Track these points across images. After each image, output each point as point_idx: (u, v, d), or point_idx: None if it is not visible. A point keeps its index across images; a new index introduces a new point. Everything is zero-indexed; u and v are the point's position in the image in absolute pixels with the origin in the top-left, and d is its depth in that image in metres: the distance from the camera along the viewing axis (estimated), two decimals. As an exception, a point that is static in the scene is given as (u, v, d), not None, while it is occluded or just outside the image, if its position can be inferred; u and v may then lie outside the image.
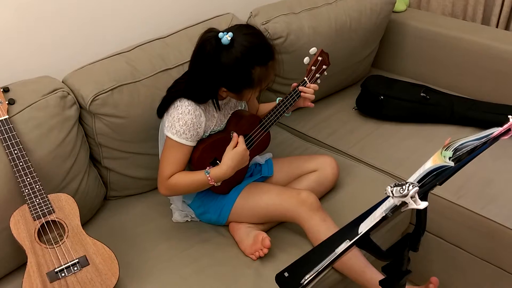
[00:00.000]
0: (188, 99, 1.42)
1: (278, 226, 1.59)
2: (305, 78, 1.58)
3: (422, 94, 2.07)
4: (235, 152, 1.42)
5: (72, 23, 1.66)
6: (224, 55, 1.33)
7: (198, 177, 1.42)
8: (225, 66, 1.34)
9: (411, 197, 0.80)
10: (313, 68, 1.58)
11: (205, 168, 1.43)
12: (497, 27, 2.38)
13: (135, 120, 1.58)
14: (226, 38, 1.31)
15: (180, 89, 1.45)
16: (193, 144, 1.44)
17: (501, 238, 1.62)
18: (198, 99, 1.42)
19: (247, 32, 1.37)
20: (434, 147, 0.98)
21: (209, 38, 1.34)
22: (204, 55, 1.35)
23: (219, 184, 1.43)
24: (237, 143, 1.44)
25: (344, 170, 1.77)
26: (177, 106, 1.41)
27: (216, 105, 1.45)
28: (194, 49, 1.39)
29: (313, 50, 1.58)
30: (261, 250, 1.44)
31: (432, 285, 1.37)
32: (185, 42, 1.72)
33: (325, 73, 1.63)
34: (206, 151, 1.46)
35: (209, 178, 1.40)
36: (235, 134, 1.46)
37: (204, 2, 1.98)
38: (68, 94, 1.49)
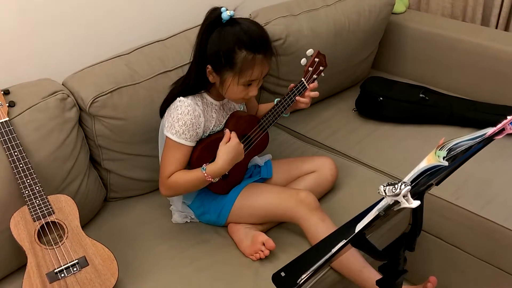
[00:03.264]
0: (186, 95, 1.43)
1: (277, 227, 1.60)
2: (303, 79, 1.59)
3: (421, 95, 2.08)
4: (228, 146, 1.42)
5: (72, 26, 1.67)
6: (218, 29, 1.35)
7: (195, 174, 1.42)
8: (214, 38, 1.35)
9: (403, 196, 0.80)
10: (310, 69, 1.59)
11: None
12: (496, 28, 2.38)
13: (135, 122, 1.59)
14: (226, 13, 1.33)
15: (177, 85, 1.47)
16: (193, 144, 1.45)
17: (500, 238, 1.62)
18: (192, 86, 1.43)
19: (250, 21, 1.40)
20: (433, 148, 0.98)
21: (212, 12, 1.36)
22: (202, 28, 1.37)
23: (216, 180, 1.43)
24: (230, 138, 1.44)
25: (343, 171, 1.78)
26: (177, 106, 1.42)
27: (207, 89, 1.46)
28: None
29: (310, 51, 1.59)
30: (262, 251, 1.45)
31: (430, 284, 1.37)
32: (184, 44, 1.73)
33: (322, 74, 1.64)
34: (205, 151, 1.47)
35: (205, 174, 1.40)
36: (227, 130, 1.46)
37: (203, 5, 1.97)
38: (68, 96, 1.51)
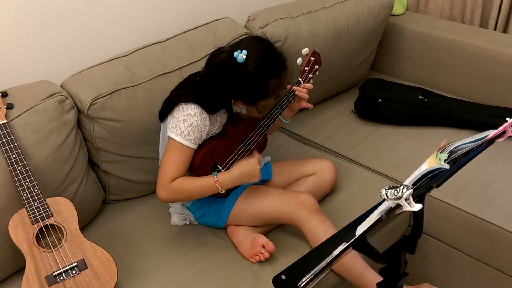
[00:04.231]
0: (196, 104, 1.43)
1: (276, 229, 1.59)
2: (299, 79, 1.60)
3: (420, 97, 2.08)
4: (248, 163, 1.44)
5: (71, 27, 1.66)
6: (239, 71, 1.37)
7: (204, 181, 1.42)
8: (241, 82, 1.39)
9: (405, 200, 0.80)
10: (306, 68, 1.60)
11: (206, 173, 1.45)
12: (495, 30, 2.38)
13: (134, 124, 1.59)
14: (241, 57, 1.36)
15: (188, 94, 1.45)
16: (195, 147, 1.44)
17: (500, 240, 1.62)
18: (210, 110, 1.45)
19: (259, 47, 1.41)
20: (432, 150, 0.98)
21: (224, 59, 1.38)
22: (221, 74, 1.39)
23: (223, 191, 1.43)
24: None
25: (343, 173, 1.78)
26: (183, 108, 1.42)
27: (229, 116, 1.49)
28: (211, 68, 1.42)
29: (305, 50, 1.60)
30: (262, 254, 1.45)
31: None
32: (183, 46, 1.73)
33: (317, 73, 1.65)
34: (207, 156, 1.47)
35: (216, 179, 1.40)
36: (256, 152, 1.51)
37: (202, 6, 1.98)
38: (66, 98, 1.50)
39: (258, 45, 1.42)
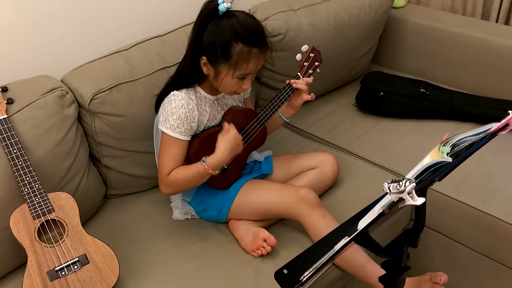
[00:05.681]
0: (179, 89, 1.43)
1: (278, 223, 1.59)
2: (298, 74, 1.60)
3: (421, 90, 2.07)
4: (226, 137, 1.41)
5: (70, 22, 1.66)
6: (215, 21, 1.34)
7: (195, 168, 1.41)
8: (211, 30, 1.35)
9: (408, 193, 0.80)
10: (306, 64, 1.60)
11: None
12: (497, 22, 2.38)
13: (134, 119, 1.58)
14: (223, 5, 1.33)
15: (171, 81, 1.48)
16: (188, 138, 1.44)
17: (502, 233, 1.62)
18: (185, 78, 1.43)
19: (247, 14, 1.40)
20: (434, 143, 0.98)
21: (208, 4, 1.36)
22: (198, 19, 1.37)
23: (217, 173, 1.42)
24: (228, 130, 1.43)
25: (344, 166, 1.77)
26: (171, 100, 1.42)
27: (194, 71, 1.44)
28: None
29: (304, 47, 1.60)
30: (264, 248, 1.45)
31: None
32: (183, 40, 1.70)
33: (318, 70, 1.63)
34: (202, 145, 1.47)
35: (206, 166, 1.39)
36: (225, 123, 1.45)
37: (202, 0, 1.97)
38: (67, 93, 1.49)
39: (249, 14, 1.40)
